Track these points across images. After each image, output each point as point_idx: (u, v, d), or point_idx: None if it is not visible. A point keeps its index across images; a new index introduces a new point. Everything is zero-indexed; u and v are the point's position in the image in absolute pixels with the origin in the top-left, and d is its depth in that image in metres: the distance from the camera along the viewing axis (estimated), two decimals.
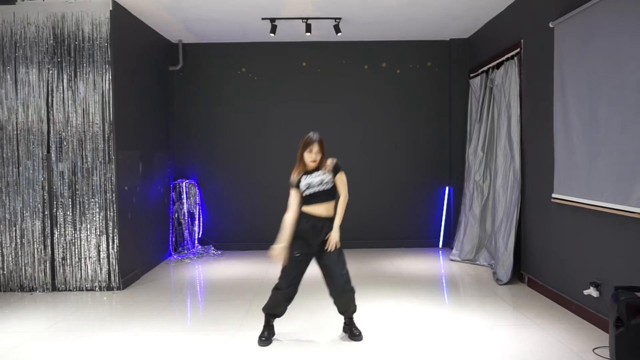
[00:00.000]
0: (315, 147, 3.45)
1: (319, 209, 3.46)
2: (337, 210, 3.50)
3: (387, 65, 6.98)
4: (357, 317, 3.77)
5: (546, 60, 4.46)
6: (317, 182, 3.45)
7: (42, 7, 4.94)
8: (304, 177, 3.49)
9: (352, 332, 3.63)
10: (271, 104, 6.97)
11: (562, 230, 4.29)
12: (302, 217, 3.49)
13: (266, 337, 3.57)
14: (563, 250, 4.28)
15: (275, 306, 3.55)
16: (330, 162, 3.51)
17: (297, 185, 3.51)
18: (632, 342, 2.76)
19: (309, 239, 3.46)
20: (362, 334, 3.63)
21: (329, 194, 3.48)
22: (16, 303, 4.65)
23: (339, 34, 6.01)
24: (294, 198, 3.52)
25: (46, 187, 4.99)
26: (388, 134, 7.00)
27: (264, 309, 3.60)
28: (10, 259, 5.01)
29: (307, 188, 3.45)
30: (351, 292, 3.49)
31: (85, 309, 4.44)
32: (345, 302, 3.51)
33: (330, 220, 3.48)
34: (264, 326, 3.62)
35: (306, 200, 3.48)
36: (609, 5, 3.51)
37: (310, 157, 3.46)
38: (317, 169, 3.50)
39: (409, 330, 3.77)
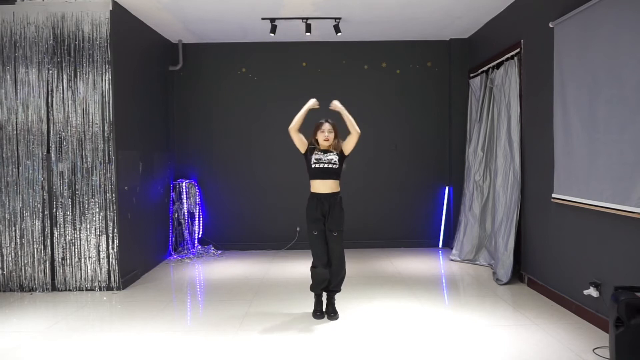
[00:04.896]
0: (327, 127, 3.90)
1: (324, 186, 3.84)
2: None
3: (387, 65, 6.98)
4: (356, 317, 3.96)
5: (546, 60, 4.46)
6: (326, 160, 3.83)
7: (42, 7, 4.94)
8: (316, 151, 3.87)
9: (329, 312, 3.99)
10: (271, 104, 6.96)
11: (562, 230, 4.29)
12: (310, 198, 3.92)
13: (321, 311, 3.99)
14: (563, 250, 4.28)
15: (320, 282, 3.94)
16: (337, 142, 3.96)
17: (306, 150, 3.94)
18: (632, 342, 2.76)
19: (321, 214, 3.85)
20: (339, 314, 4.00)
21: (335, 173, 3.85)
22: (16, 303, 4.65)
23: (339, 34, 6.01)
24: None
25: (46, 187, 4.99)
26: (388, 134, 7.00)
27: (312, 289, 4.01)
28: (10, 259, 5.00)
29: (317, 163, 3.83)
30: (342, 270, 3.93)
31: (85, 309, 4.44)
32: (335, 278, 3.92)
33: (331, 195, 3.85)
34: (316, 302, 4.01)
35: (313, 174, 3.87)
36: (609, 5, 3.51)
37: (323, 136, 3.87)
38: (329, 150, 3.89)
39: (409, 330, 3.77)
